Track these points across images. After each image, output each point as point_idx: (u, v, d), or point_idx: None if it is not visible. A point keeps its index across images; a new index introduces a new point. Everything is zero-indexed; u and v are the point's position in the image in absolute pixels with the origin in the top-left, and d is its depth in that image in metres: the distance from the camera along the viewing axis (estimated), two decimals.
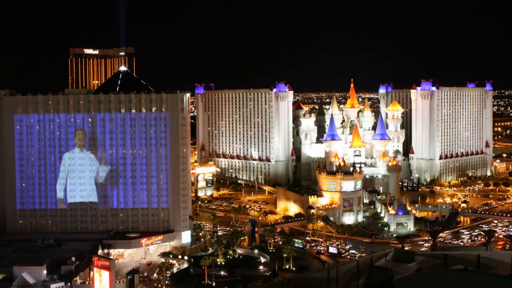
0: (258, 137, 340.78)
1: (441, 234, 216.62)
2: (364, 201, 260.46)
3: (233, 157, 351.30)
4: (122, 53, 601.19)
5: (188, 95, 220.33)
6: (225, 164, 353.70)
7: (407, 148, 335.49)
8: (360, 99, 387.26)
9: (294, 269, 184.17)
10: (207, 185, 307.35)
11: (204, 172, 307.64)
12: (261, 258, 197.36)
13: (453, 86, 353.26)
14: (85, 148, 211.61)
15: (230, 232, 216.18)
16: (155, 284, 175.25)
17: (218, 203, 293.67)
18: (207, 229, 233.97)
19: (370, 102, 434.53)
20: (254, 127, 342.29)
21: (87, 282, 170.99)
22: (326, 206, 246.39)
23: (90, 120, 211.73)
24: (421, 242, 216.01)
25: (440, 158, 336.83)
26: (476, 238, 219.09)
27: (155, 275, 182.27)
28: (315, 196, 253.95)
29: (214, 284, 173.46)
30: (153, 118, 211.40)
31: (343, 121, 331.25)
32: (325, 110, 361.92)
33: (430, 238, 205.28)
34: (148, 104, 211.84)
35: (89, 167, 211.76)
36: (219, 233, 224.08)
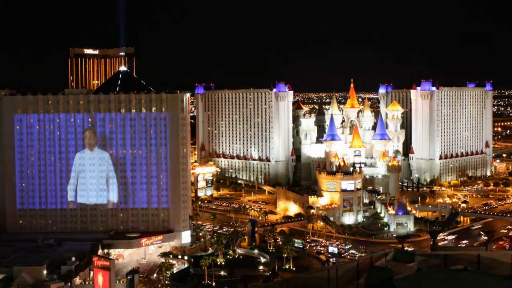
0: (258, 137, 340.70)
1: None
2: (364, 201, 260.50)
3: (233, 157, 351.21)
4: (122, 53, 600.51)
5: (188, 95, 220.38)
6: (225, 164, 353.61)
7: (407, 148, 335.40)
8: (360, 99, 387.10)
9: (294, 269, 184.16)
10: (207, 185, 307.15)
11: (204, 172, 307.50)
12: (261, 258, 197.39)
13: (453, 86, 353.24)
14: (95, 147, 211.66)
15: (230, 232, 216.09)
16: (155, 284, 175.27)
17: (218, 203, 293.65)
18: (208, 229, 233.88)
19: (370, 102, 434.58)
20: (254, 127, 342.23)
21: (87, 282, 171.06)
22: (326, 206, 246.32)
23: (90, 120, 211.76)
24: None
25: (440, 158, 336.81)
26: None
27: (155, 275, 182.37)
28: (315, 196, 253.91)
29: (214, 284, 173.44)
30: (153, 118, 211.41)
31: (343, 121, 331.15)
32: (325, 110, 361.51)
33: (430, 238, 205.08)
34: (148, 104, 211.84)
35: (99, 167, 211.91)
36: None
